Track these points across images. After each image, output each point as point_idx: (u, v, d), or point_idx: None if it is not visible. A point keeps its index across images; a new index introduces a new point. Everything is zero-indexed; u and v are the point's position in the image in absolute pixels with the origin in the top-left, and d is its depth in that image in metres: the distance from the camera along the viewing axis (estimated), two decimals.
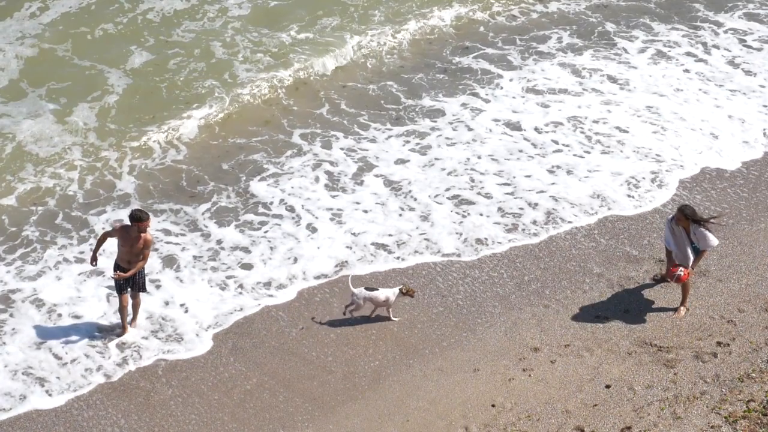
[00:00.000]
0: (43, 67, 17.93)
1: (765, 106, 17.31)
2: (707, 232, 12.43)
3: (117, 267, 12.25)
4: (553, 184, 15.41)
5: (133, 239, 12.00)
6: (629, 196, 15.06)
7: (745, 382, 11.42)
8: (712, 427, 10.82)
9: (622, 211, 14.75)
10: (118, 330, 12.64)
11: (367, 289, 12.73)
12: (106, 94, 17.28)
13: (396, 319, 12.80)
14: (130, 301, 12.50)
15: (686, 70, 18.53)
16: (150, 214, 12.33)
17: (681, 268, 12.44)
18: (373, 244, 14.22)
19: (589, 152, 16.18)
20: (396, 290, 12.68)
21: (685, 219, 12.39)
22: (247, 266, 13.83)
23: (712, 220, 12.63)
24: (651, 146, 16.23)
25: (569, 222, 14.53)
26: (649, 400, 11.29)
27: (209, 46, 18.58)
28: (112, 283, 12.76)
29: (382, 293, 12.66)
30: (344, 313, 12.82)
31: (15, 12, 19.30)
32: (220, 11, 19.65)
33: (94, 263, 12.54)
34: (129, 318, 12.66)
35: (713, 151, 16.05)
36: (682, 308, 12.66)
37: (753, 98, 17.51)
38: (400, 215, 14.85)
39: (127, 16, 19.31)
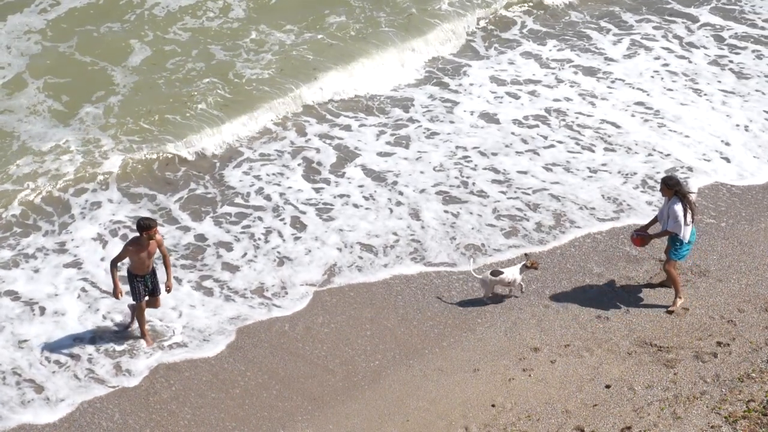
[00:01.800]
0: (46, 62, 17.93)
1: (766, 111, 17.18)
2: (681, 219, 12.21)
3: (133, 276, 12.09)
4: (556, 183, 15.28)
5: (145, 247, 11.97)
6: (648, 202, 14.85)
7: (745, 382, 11.41)
8: (712, 427, 10.81)
9: (643, 218, 14.29)
10: (114, 333, 12.67)
11: (492, 273, 12.84)
12: (109, 93, 17.28)
13: (520, 295, 13.04)
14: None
15: (665, 63, 18.41)
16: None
17: (636, 232, 12.63)
18: (362, 246, 14.09)
19: (588, 149, 16.03)
20: (520, 266, 12.86)
21: (668, 189, 12.29)
22: (233, 267, 13.76)
23: (694, 213, 12.40)
24: (654, 145, 16.13)
25: (579, 227, 14.36)
26: (649, 400, 11.29)
27: (209, 45, 18.57)
28: (87, 278, 12.89)
29: (509, 273, 12.82)
30: (486, 299, 12.96)
31: (25, 8, 19.31)
32: (222, 10, 19.60)
33: (121, 296, 12.21)
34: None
35: (732, 164, 15.70)
36: (678, 300, 12.64)
37: (751, 101, 17.38)
38: (391, 211, 14.73)
39: (135, 12, 19.31)
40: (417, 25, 19.38)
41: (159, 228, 12.07)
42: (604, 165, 15.68)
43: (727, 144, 16.17)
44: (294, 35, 18.90)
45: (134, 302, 12.34)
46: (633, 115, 16.89)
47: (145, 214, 14.54)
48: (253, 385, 11.96)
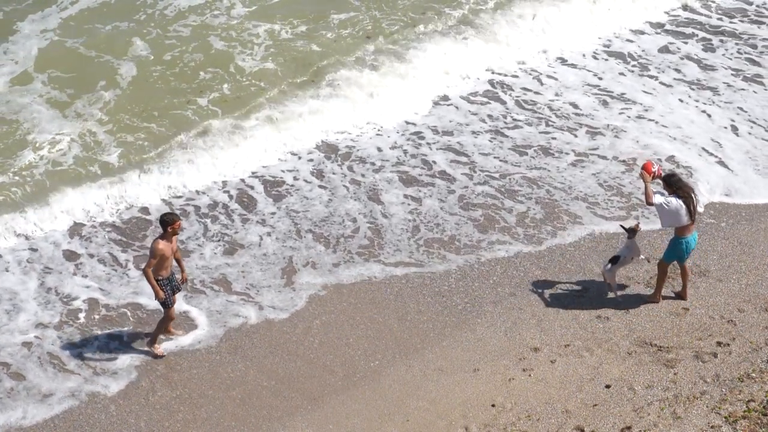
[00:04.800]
0: (54, 58, 18.03)
1: (741, 108, 16.99)
2: (671, 209, 12.04)
3: (156, 281, 11.91)
4: (534, 168, 14.99)
5: (170, 243, 11.84)
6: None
7: (745, 382, 11.41)
8: (712, 427, 10.81)
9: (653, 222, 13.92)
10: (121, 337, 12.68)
11: (611, 262, 12.73)
12: (111, 86, 17.38)
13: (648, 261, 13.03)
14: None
15: (607, 44, 18.25)
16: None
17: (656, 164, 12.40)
18: (316, 236, 13.99)
19: (567, 131, 15.66)
20: (630, 243, 12.71)
21: (668, 187, 12.21)
22: (183, 253, 13.69)
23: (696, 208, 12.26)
24: (635, 132, 15.96)
25: (582, 223, 14.21)
26: (649, 400, 11.29)
27: (211, 43, 18.60)
28: (47, 267, 13.15)
29: (625, 254, 12.69)
30: (615, 294, 12.84)
31: (48, 6, 19.44)
32: (226, 9, 19.62)
33: (166, 295, 12.01)
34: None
35: (739, 179, 15.40)
36: (657, 294, 12.69)
37: (723, 97, 17.11)
38: (345, 192, 14.60)
39: (146, 12, 19.33)
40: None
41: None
42: (595, 150, 15.34)
43: (719, 144, 16.10)
44: (296, 33, 18.96)
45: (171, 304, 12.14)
46: (587, 95, 16.62)
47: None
48: (252, 384, 11.96)
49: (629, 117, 16.49)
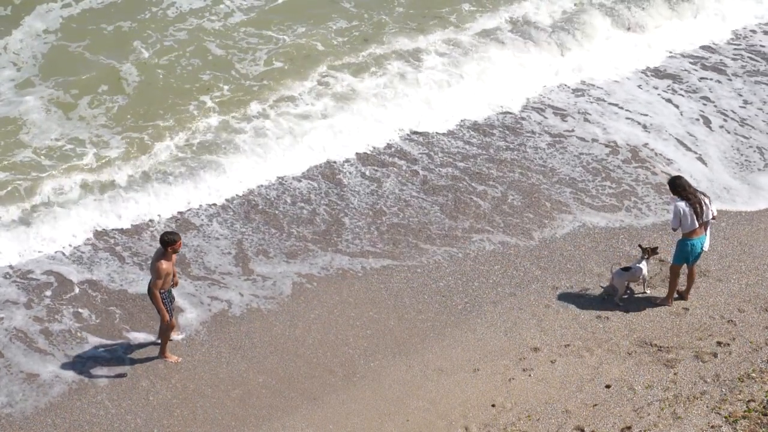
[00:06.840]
0: (57, 59, 18.00)
1: (707, 98, 16.80)
2: (678, 217, 12.06)
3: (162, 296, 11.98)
4: (508, 149, 14.87)
5: (171, 260, 11.94)
6: (652, 185, 14.68)
7: (745, 382, 11.41)
8: (712, 427, 10.82)
9: (657, 204, 13.90)
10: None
11: (623, 269, 12.66)
12: (115, 89, 17.36)
13: (648, 291, 12.83)
14: None
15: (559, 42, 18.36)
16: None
17: None
18: (267, 219, 13.93)
19: (533, 110, 15.56)
20: (642, 260, 12.62)
21: (674, 190, 12.15)
22: (137, 230, 13.77)
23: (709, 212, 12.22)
24: (603, 121, 15.94)
25: (570, 212, 14.22)
26: (649, 400, 11.29)
27: (211, 47, 18.60)
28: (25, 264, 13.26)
29: (638, 269, 12.59)
30: (619, 302, 12.74)
31: (51, 2, 19.42)
32: (226, 14, 19.63)
33: (168, 319, 12.08)
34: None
35: (720, 182, 15.37)
36: (669, 300, 12.66)
37: (686, 87, 17.02)
38: (304, 172, 14.58)
39: (150, 11, 19.34)
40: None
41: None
42: (570, 131, 15.24)
43: (695, 138, 16.00)
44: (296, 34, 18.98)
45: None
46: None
47: None
48: (253, 384, 11.95)
49: (591, 100, 16.27)
